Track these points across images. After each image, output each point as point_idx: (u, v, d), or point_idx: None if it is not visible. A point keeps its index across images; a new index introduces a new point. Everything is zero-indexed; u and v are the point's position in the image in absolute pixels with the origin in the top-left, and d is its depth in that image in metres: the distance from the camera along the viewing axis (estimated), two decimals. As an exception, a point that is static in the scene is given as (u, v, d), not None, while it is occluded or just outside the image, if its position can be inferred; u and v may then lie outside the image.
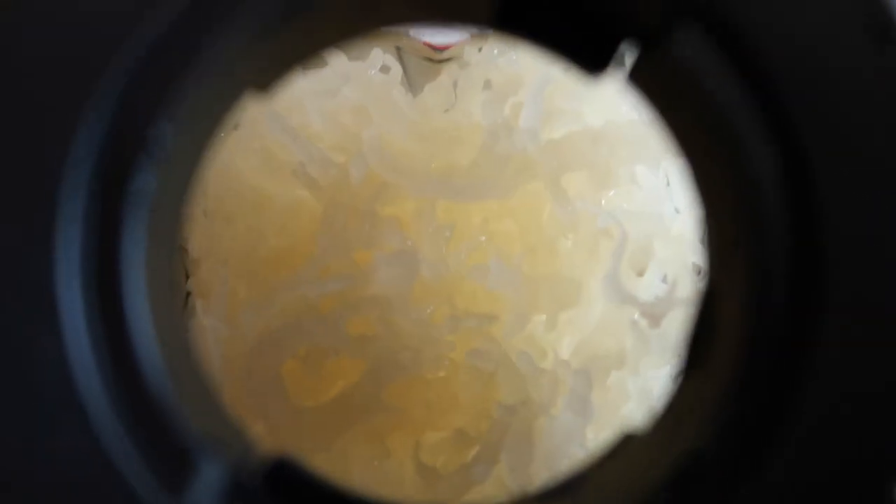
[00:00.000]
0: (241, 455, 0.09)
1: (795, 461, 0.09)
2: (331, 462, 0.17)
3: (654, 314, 0.17)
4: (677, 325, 0.17)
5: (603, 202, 0.19)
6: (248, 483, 0.09)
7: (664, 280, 0.19)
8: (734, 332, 0.09)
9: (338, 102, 0.19)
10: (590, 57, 0.11)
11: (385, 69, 0.20)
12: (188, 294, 0.19)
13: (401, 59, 0.21)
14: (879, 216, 0.08)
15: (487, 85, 0.20)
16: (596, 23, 0.10)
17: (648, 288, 0.18)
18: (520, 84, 0.19)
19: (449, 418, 0.18)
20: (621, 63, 0.10)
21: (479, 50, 0.20)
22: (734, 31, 0.08)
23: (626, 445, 0.10)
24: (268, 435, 0.17)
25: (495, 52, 0.19)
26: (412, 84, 0.21)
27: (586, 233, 0.19)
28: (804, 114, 0.08)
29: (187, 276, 0.20)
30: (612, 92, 0.19)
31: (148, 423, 0.08)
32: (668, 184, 0.20)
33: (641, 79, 0.10)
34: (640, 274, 0.19)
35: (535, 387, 0.18)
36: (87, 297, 0.08)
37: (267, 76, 0.10)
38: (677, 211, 0.20)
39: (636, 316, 0.18)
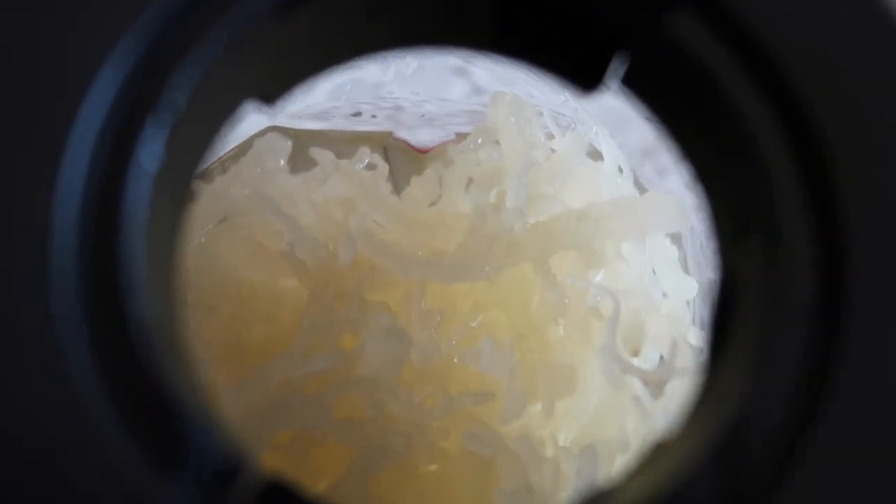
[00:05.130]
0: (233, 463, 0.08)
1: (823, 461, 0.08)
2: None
3: (657, 381, 0.16)
4: (680, 396, 0.16)
5: (591, 290, 0.19)
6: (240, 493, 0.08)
7: (661, 361, 0.19)
8: (756, 320, 0.09)
9: (326, 195, 0.20)
10: (584, 74, 0.11)
11: (371, 166, 0.20)
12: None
13: (387, 158, 0.21)
14: None
15: (471, 182, 0.20)
16: (586, 41, 0.11)
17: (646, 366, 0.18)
18: (503, 176, 0.20)
19: (444, 513, 0.17)
20: (616, 74, 0.11)
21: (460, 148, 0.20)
22: (725, 11, 0.09)
23: (660, 453, 0.09)
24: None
25: (479, 140, 0.19)
26: (397, 181, 0.22)
27: (577, 314, 0.19)
28: (802, 81, 0.09)
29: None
30: (592, 173, 0.20)
31: (138, 391, 0.07)
32: (653, 272, 0.20)
33: (636, 81, 0.11)
34: (636, 354, 0.18)
35: (536, 475, 0.17)
36: (81, 259, 0.07)
37: (269, 86, 0.10)
38: (665, 295, 0.20)
39: (637, 390, 0.17)
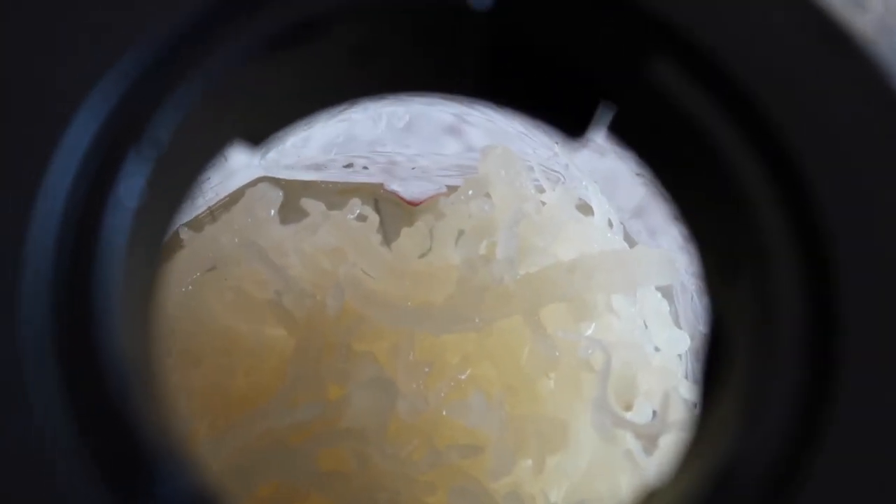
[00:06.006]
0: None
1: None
2: None
3: (649, 435, 0.16)
4: (674, 451, 0.16)
5: (582, 342, 0.19)
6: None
7: (654, 416, 0.18)
8: (747, 361, 0.09)
9: (316, 245, 0.20)
10: (569, 121, 0.11)
11: (362, 217, 0.21)
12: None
13: (378, 210, 0.21)
14: (883, 220, 0.08)
15: (462, 234, 0.20)
16: (569, 91, 0.11)
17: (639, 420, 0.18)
18: (493, 228, 0.20)
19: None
20: (602, 122, 0.11)
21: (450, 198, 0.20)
22: (700, 55, 0.09)
23: (652, 498, 0.09)
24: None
25: (470, 192, 0.20)
26: (388, 233, 0.22)
27: (568, 367, 0.18)
28: (783, 121, 0.09)
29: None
30: (582, 227, 0.20)
31: (105, 426, 0.07)
32: (645, 326, 0.20)
33: (620, 128, 0.11)
34: (628, 408, 0.18)
35: (525, 534, 0.16)
36: (54, 291, 0.07)
37: (255, 128, 0.10)
38: (657, 349, 0.20)
39: (630, 444, 0.17)
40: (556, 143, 0.20)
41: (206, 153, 0.09)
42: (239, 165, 0.20)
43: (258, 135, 0.11)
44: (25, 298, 0.07)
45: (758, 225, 0.09)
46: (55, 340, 0.07)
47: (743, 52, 0.09)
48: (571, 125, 0.11)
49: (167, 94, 0.08)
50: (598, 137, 0.12)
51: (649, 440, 0.16)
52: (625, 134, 0.11)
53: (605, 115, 0.11)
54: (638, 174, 0.20)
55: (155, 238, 0.09)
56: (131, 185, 0.08)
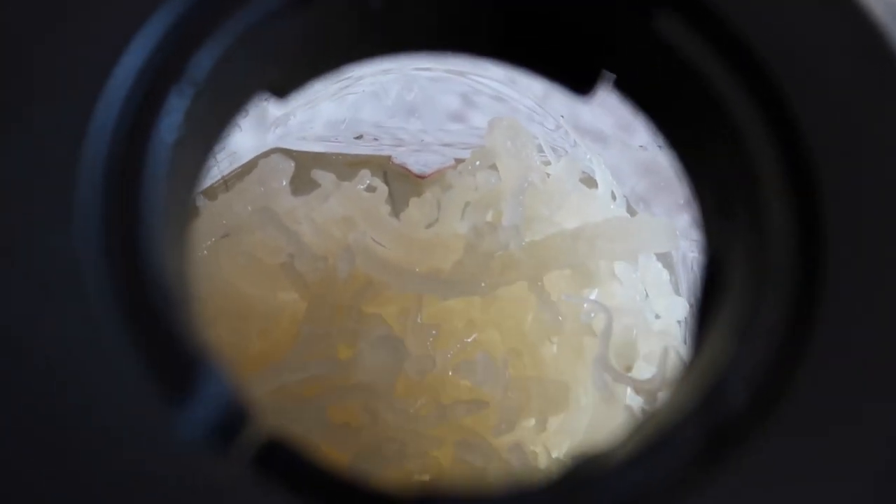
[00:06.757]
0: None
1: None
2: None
3: (649, 390, 0.16)
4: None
5: (585, 305, 0.20)
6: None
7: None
8: (741, 288, 0.09)
9: (327, 214, 0.20)
10: (577, 81, 0.12)
11: (371, 188, 0.21)
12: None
13: (387, 182, 0.22)
14: (871, 165, 0.09)
15: (468, 205, 0.21)
16: (577, 48, 0.12)
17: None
18: (500, 199, 0.20)
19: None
20: (609, 78, 0.12)
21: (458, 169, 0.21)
22: (704, 9, 0.10)
23: (651, 417, 0.09)
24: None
25: (477, 163, 0.20)
26: (396, 204, 0.22)
27: (570, 332, 0.19)
28: (775, 67, 0.09)
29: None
30: (585, 199, 0.21)
31: (153, 325, 0.07)
32: (646, 295, 0.21)
33: (625, 85, 0.11)
34: (628, 371, 0.19)
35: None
36: (104, 210, 0.08)
37: (282, 78, 0.11)
38: (658, 317, 0.20)
39: (629, 401, 0.17)
40: (562, 116, 0.21)
41: (238, 98, 0.10)
42: (251, 137, 0.21)
43: (283, 86, 0.11)
44: (78, 217, 0.08)
45: (752, 163, 0.09)
46: (105, 249, 0.08)
47: (740, 5, 0.10)
48: (579, 82, 0.12)
49: (205, 39, 0.09)
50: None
51: (649, 395, 0.16)
52: (629, 87, 0.11)
53: (610, 73, 0.12)
54: (641, 146, 0.21)
55: (191, 168, 0.09)
56: (171, 121, 0.09)
